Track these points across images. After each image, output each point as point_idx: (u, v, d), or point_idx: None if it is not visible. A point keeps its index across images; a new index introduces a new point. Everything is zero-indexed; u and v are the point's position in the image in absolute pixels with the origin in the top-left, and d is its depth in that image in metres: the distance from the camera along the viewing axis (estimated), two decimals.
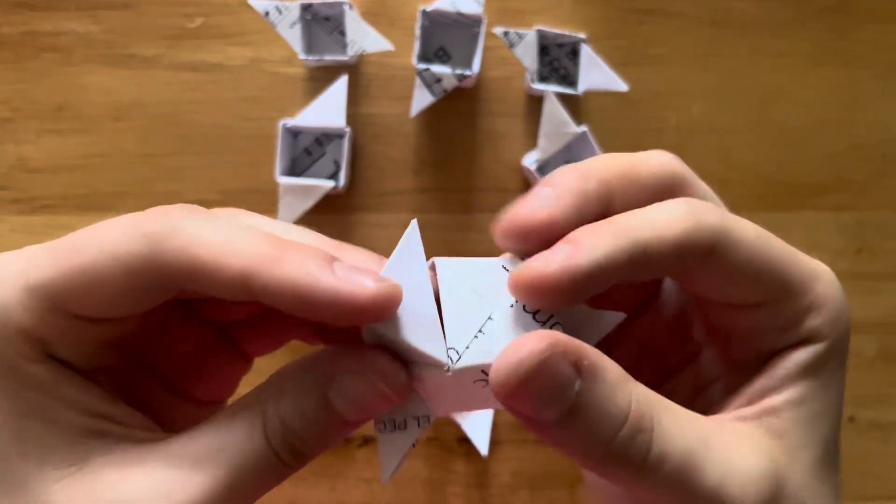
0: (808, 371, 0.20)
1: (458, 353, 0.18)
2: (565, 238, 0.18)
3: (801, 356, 0.20)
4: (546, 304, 0.19)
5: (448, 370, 0.18)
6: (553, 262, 0.17)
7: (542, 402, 0.17)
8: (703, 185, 0.21)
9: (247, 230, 0.18)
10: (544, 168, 0.37)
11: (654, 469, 0.17)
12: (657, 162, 0.21)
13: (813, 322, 0.20)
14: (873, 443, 0.40)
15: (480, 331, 0.18)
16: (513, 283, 0.18)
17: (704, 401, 0.22)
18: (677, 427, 0.18)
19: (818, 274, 0.20)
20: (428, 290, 0.19)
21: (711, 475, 0.18)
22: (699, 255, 0.19)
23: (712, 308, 0.21)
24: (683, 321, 0.23)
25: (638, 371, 0.23)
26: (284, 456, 0.18)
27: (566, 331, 0.19)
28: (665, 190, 0.20)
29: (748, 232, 0.19)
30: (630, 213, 0.19)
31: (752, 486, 0.18)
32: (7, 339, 0.18)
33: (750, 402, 0.20)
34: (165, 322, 0.21)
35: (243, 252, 0.17)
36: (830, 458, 0.20)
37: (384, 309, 0.17)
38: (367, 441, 0.39)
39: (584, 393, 0.17)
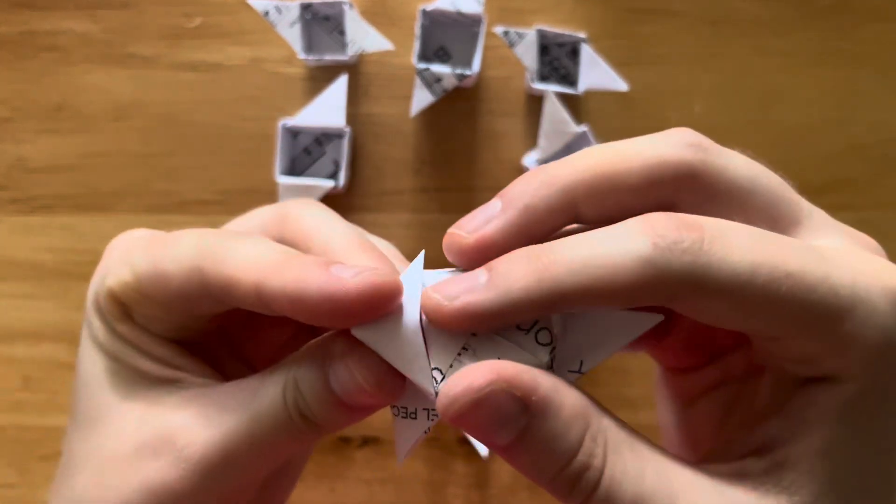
0: (833, 415, 0.17)
1: (441, 373, 0.18)
2: (487, 265, 0.17)
3: (824, 397, 0.17)
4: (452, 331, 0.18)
5: (436, 394, 0.18)
6: (456, 298, 0.17)
7: (487, 431, 0.17)
8: (732, 172, 0.18)
9: (266, 245, 0.19)
10: None
11: None
12: (653, 153, 0.18)
13: (834, 363, 0.17)
14: None
15: (465, 347, 0.18)
16: (424, 312, 0.18)
17: (754, 388, 0.21)
18: (636, 471, 0.17)
19: (852, 303, 0.16)
20: (417, 319, 0.18)
21: None
22: (659, 302, 0.17)
23: None
24: None
25: (685, 348, 0.22)
26: (295, 417, 0.19)
27: (568, 334, 0.18)
28: (666, 190, 0.18)
29: (736, 266, 0.16)
30: (570, 242, 0.17)
31: None
32: (104, 297, 0.22)
33: (763, 450, 0.18)
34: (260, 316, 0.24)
35: (256, 265, 0.19)
36: None
37: (375, 300, 0.17)
38: (367, 442, 0.39)
39: (531, 428, 0.16)
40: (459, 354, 0.18)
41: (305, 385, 0.19)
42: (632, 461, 0.17)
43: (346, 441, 0.39)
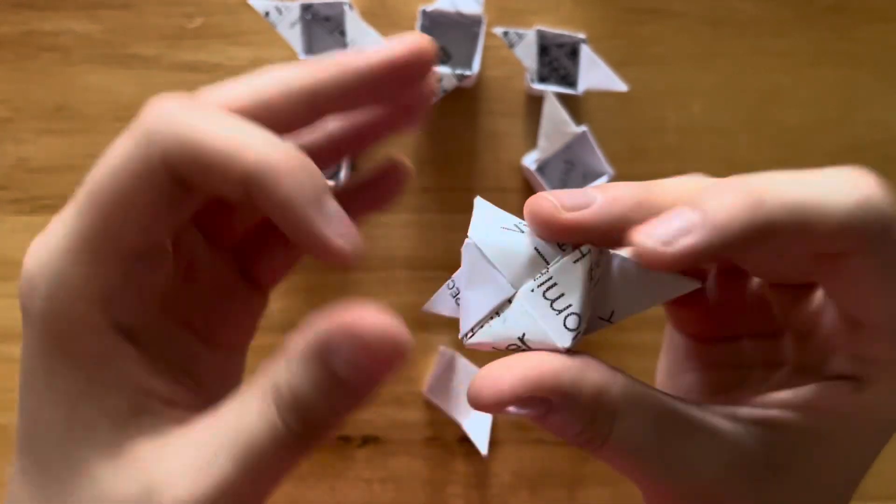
0: (846, 411, 0.19)
1: (472, 331, 0.20)
2: (693, 200, 0.17)
3: (843, 394, 0.19)
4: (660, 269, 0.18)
5: (463, 339, 0.20)
6: (673, 242, 0.17)
7: (512, 414, 0.18)
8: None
9: (255, 129, 0.18)
10: (544, 168, 0.37)
11: (612, 455, 0.19)
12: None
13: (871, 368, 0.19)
14: None
15: (497, 312, 0.19)
16: (637, 253, 0.17)
17: (762, 377, 0.22)
18: (636, 430, 0.19)
19: None
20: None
21: (665, 460, 0.19)
22: (841, 250, 0.17)
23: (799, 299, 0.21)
24: (765, 299, 0.22)
25: (709, 319, 0.23)
26: (297, 428, 0.18)
27: (606, 283, 0.20)
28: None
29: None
30: (784, 178, 0.17)
31: (703, 476, 0.19)
32: (73, 310, 0.18)
33: (758, 404, 0.20)
34: (193, 262, 0.22)
35: (251, 153, 0.17)
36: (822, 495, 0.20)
37: (349, 262, 0.18)
38: (367, 441, 0.39)
39: (551, 416, 0.19)
40: (491, 318, 0.19)
41: (305, 388, 0.18)
42: (635, 422, 0.19)
43: (346, 440, 0.39)
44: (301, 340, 0.18)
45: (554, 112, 0.35)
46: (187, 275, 0.22)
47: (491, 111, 0.39)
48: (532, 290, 0.19)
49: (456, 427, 0.38)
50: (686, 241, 0.17)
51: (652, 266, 0.17)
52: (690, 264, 0.17)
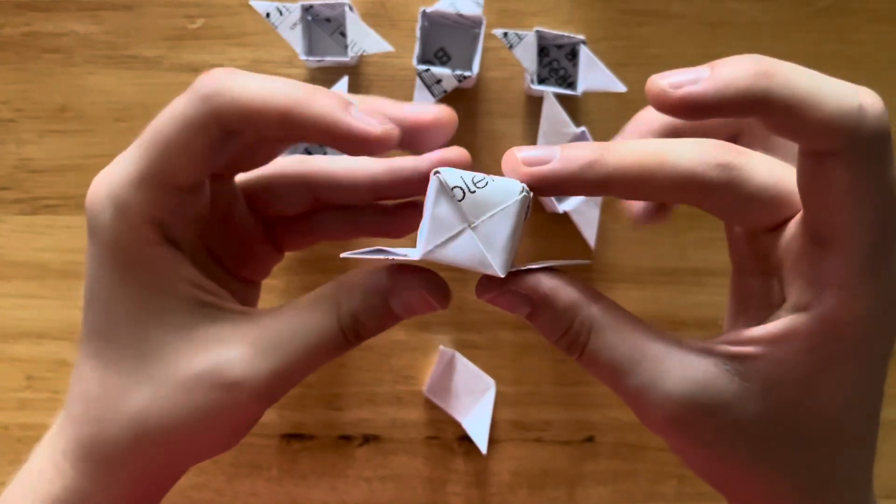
0: (802, 338, 0.21)
1: (430, 251, 0.22)
2: (709, 65, 0.20)
3: (799, 322, 0.21)
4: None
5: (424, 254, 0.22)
6: (680, 87, 0.19)
7: (509, 311, 0.23)
8: (754, 184, 0.21)
9: (282, 80, 0.22)
10: None
11: (589, 364, 0.22)
12: (686, 167, 0.21)
13: (807, 291, 0.21)
14: None
15: (452, 238, 0.22)
16: (648, 93, 0.20)
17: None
18: (612, 344, 0.22)
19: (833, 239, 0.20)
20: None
21: (635, 379, 0.22)
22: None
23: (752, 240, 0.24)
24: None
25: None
26: (350, 337, 0.23)
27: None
28: (693, 195, 0.22)
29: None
30: (799, 68, 0.20)
31: (669, 398, 0.21)
32: (134, 229, 0.23)
33: (735, 342, 0.22)
34: (230, 213, 0.28)
35: (282, 95, 0.22)
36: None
37: (385, 145, 0.22)
38: (368, 440, 0.39)
39: (534, 314, 0.22)
40: (447, 242, 0.22)
41: (364, 312, 0.23)
42: (610, 337, 0.22)
43: (346, 439, 0.39)
44: (368, 280, 0.23)
45: (553, 113, 0.36)
46: (223, 222, 0.27)
47: (490, 112, 0.39)
48: (480, 223, 0.21)
49: (456, 426, 0.38)
50: (691, 89, 0.19)
51: (658, 108, 0.20)
52: (692, 116, 0.19)
